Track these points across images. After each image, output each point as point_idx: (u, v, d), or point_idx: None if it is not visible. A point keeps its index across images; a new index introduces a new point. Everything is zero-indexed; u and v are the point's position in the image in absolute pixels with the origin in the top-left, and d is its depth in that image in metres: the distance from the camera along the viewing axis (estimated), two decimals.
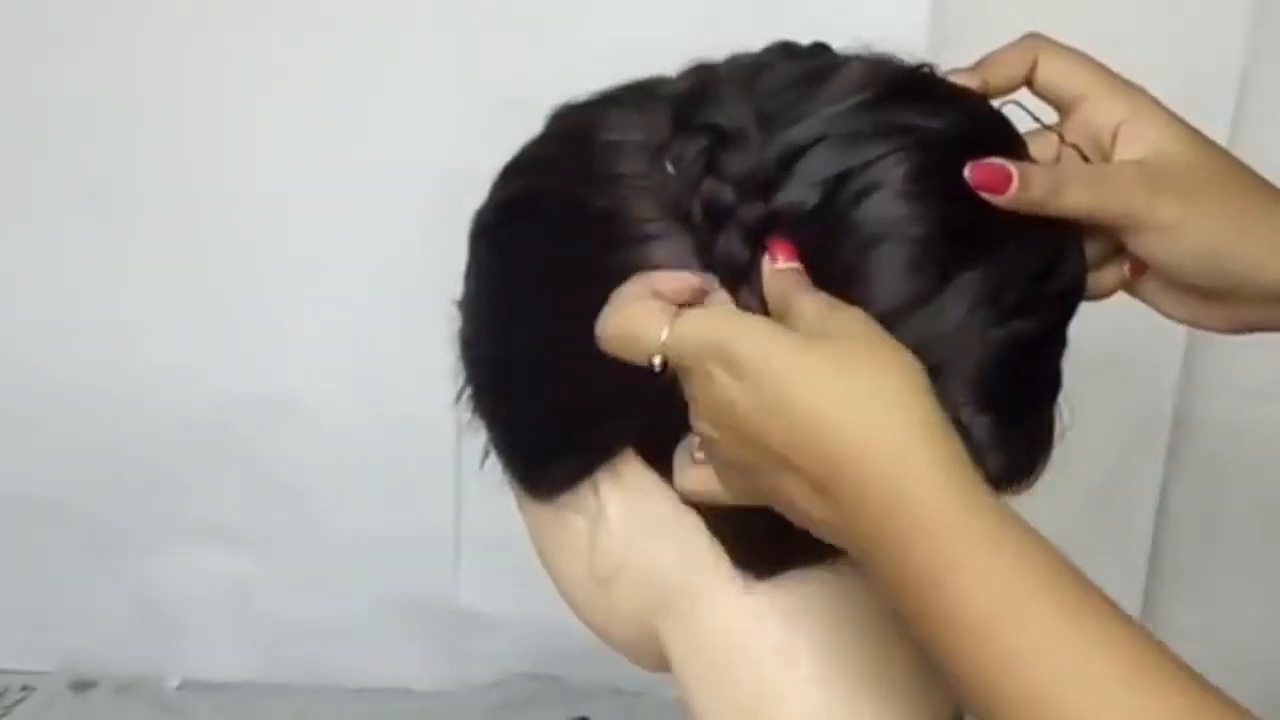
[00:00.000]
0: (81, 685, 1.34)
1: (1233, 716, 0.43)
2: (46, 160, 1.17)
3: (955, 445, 0.46)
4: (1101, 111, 0.57)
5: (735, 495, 0.51)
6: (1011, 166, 0.51)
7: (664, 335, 0.48)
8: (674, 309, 0.49)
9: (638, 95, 0.56)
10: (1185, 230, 0.56)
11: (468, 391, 0.59)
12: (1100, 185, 0.54)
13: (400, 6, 1.13)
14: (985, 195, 0.51)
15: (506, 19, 1.12)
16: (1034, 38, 0.59)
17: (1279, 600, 1.28)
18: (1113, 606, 0.44)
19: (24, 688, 1.33)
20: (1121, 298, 0.60)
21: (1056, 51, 0.59)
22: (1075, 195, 0.53)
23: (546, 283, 0.55)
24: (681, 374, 0.49)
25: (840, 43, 0.56)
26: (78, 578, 1.30)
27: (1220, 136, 1.09)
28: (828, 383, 0.46)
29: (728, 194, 0.51)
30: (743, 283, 0.51)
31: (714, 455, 0.50)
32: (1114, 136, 0.57)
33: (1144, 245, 0.56)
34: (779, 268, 0.50)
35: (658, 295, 0.50)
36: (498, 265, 0.57)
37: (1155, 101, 0.58)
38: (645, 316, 0.49)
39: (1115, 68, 0.60)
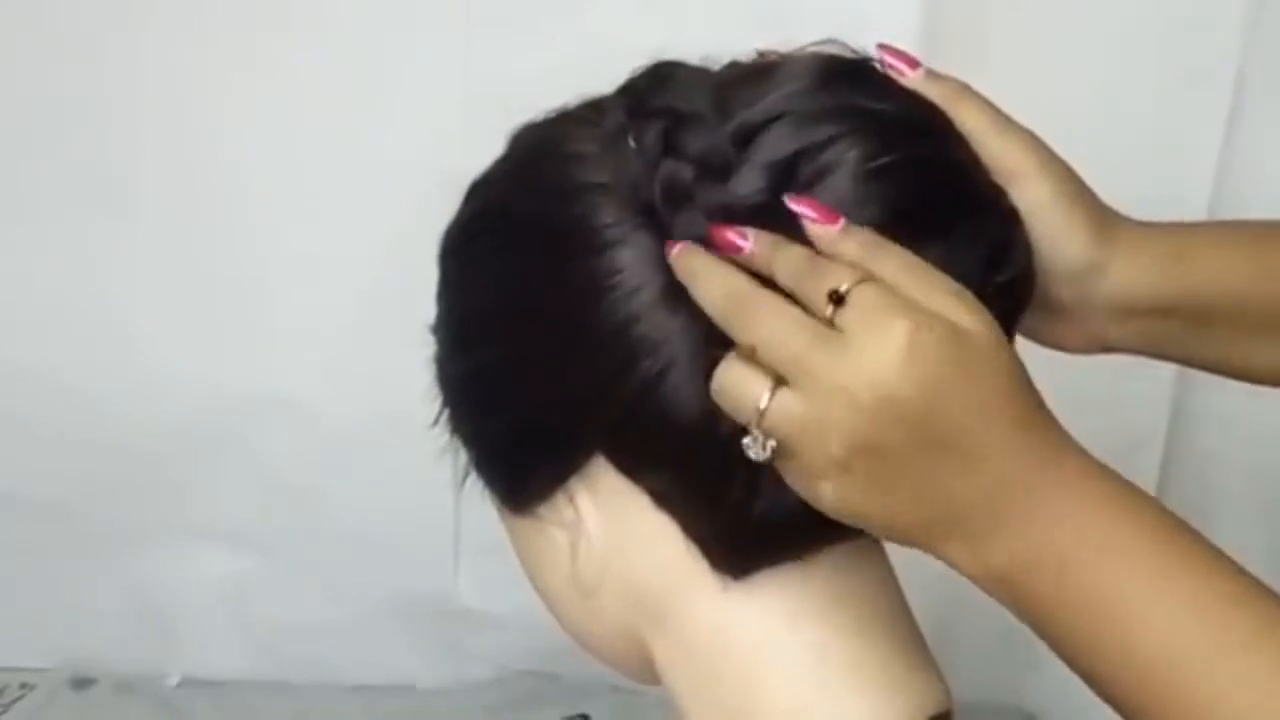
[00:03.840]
0: (81, 683, 1.34)
1: None
2: (44, 160, 1.17)
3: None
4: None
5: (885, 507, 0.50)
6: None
7: (849, 284, 0.48)
8: (862, 270, 0.49)
9: (592, 109, 0.56)
10: (1054, 203, 0.58)
11: (445, 413, 0.60)
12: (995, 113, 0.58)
13: (399, 6, 1.13)
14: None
15: (506, 19, 1.12)
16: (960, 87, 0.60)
17: None
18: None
19: (23, 685, 1.33)
20: None
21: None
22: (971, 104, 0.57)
23: (510, 295, 0.56)
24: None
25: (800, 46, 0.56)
26: (78, 577, 1.31)
27: (1217, 136, 1.10)
28: (986, 382, 0.48)
29: (686, 172, 0.51)
30: None
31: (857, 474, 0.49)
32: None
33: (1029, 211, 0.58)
34: (832, 231, 0.50)
35: None
36: (463, 281, 0.58)
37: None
38: (832, 263, 0.49)
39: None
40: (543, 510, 0.57)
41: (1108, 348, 0.63)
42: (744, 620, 0.55)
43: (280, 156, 1.16)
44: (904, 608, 0.58)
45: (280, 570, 1.30)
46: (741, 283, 0.50)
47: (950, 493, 0.48)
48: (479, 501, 0.61)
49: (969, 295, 0.49)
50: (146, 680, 1.34)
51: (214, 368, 1.22)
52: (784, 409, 0.48)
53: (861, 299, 0.48)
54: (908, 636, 0.57)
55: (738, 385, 0.49)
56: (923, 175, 0.52)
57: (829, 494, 0.49)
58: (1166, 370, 1.21)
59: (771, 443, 0.49)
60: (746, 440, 0.49)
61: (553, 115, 0.57)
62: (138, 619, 1.33)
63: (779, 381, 0.48)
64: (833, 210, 0.50)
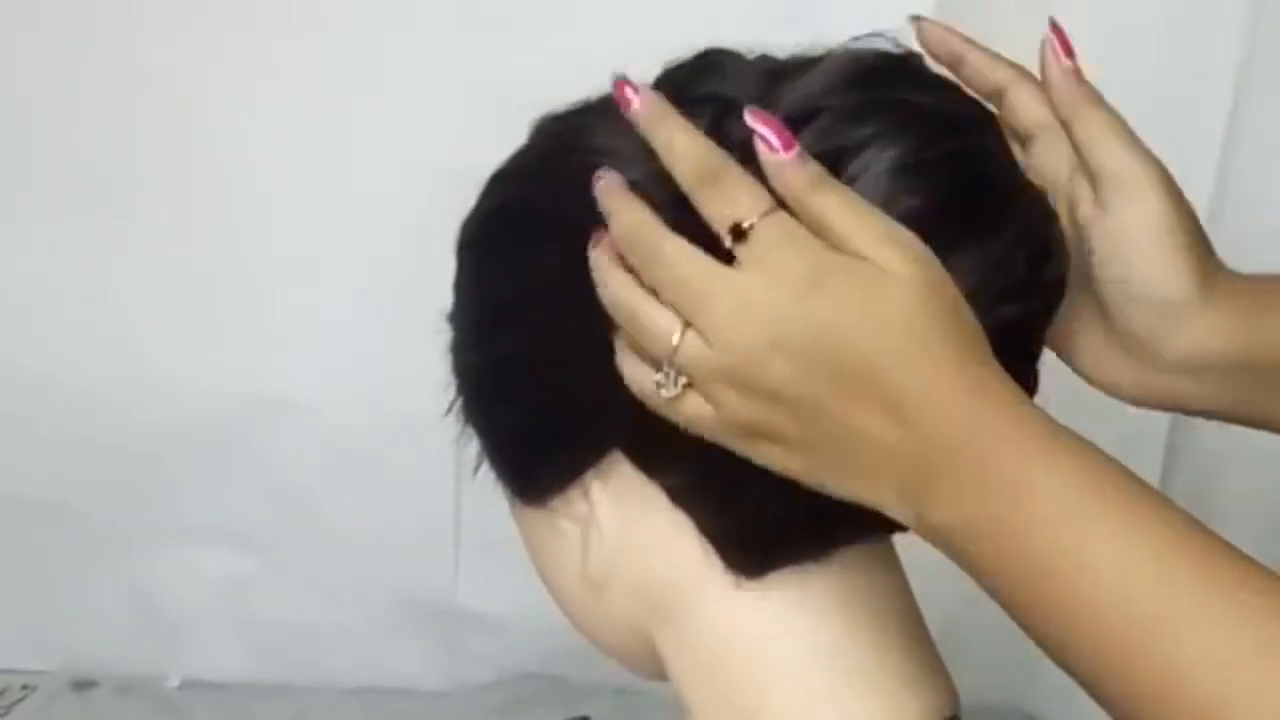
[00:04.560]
0: (82, 685, 1.34)
1: None
2: (45, 160, 1.17)
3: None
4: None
5: (741, 441, 0.50)
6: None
7: (755, 217, 0.48)
8: (770, 199, 0.48)
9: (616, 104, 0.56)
10: (1128, 224, 0.57)
11: (459, 402, 0.60)
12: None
13: (399, 6, 1.13)
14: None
15: (505, 19, 1.12)
16: (1015, 69, 0.60)
17: None
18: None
19: (24, 687, 1.33)
20: None
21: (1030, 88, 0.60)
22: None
23: (531, 288, 0.55)
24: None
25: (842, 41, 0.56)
26: (78, 578, 1.31)
27: (1217, 134, 1.10)
28: (906, 321, 0.47)
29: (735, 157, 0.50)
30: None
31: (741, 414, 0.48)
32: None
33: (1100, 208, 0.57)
34: (783, 159, 0.48)
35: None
36: (483, 273, 0.58)
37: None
38: (741, 190, 0.48)
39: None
40: (555, 503, 0.57)
41: (1171, 400, 0.61)
42: (754, 619, 0.55)
43: (280, 157, 1.16)
44: (914, 610, 0.58)
45: (281, 572, 1.30)
46: (645, 217, 0.49)
47: (878, 446, 0.47)
48: (480, 503, 0.61)
49: (904, 237, 0.48)
50: (147, 682, 1.33)
51: (214, 368, 1.22)
52: (693, 351, 0.48)
53: (765, 234, 0.47)
54: (918, 639, 0.57)
55: (651, 320, 0.49)
56: (961, 172, 0.52)
57: (757, 453, 0.49)
58: None
59: (682, 379, 0.48)
60: (658, 377, 0.49)
61: (576, 107, 0.57)
62: (138, 620, 1.33)
63: (688, 323, 0.48)
64: (789, 134, 0.49)
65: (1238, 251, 0.61)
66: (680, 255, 0.48)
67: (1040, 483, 0.45)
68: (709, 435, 0.50)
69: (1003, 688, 1.25)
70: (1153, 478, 1.23)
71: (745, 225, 0.47)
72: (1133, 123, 0.60)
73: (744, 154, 0.50)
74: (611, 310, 0.50)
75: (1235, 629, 0.43)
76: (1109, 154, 0.57)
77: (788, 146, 0.49)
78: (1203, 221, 0.60)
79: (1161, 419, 1.22)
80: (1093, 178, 0.59)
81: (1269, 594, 0.43)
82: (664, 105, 0.51)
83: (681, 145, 0.50)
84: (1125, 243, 0.57)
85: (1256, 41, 1.11)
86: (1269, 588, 0.43)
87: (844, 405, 0.47)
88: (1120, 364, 0.60)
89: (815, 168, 0.49)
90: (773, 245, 0.47)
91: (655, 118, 0.51)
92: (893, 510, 0.48)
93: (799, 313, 0.46)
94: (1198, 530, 0.45)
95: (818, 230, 0.48)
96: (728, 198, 0.48)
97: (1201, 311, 0.58)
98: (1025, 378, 0.54)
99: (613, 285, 0.50)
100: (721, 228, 0.48)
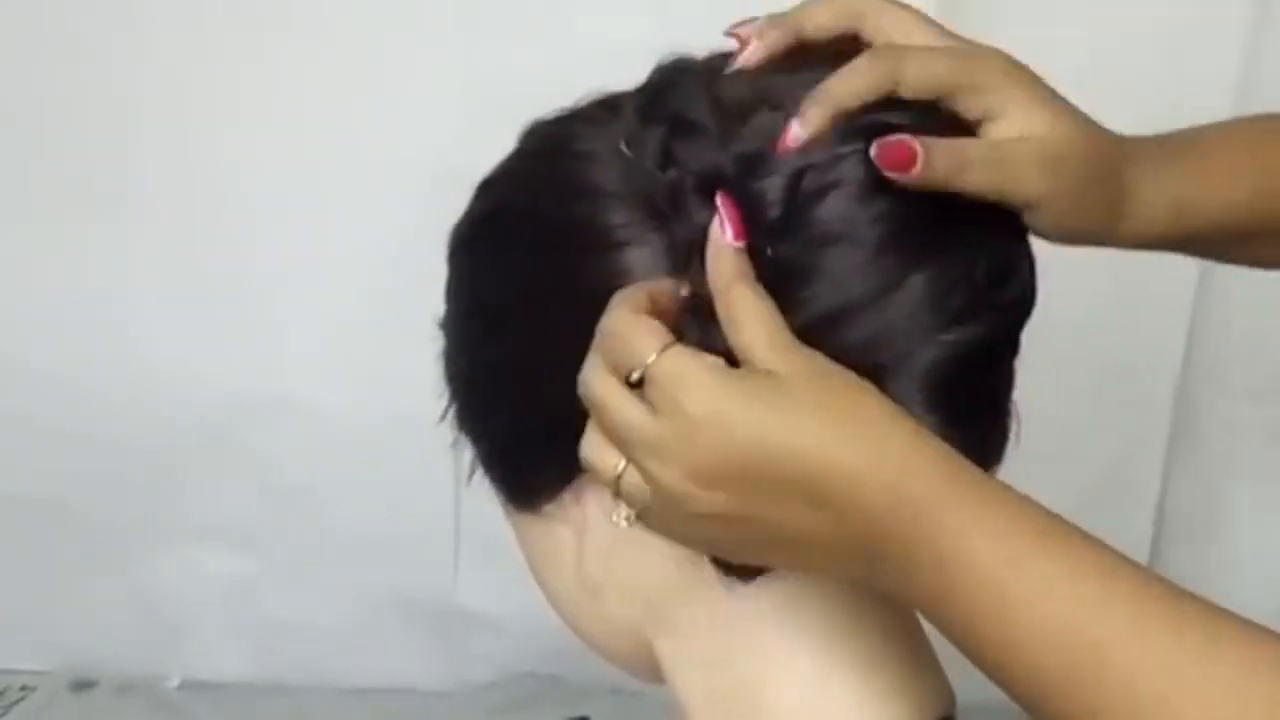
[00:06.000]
0: (81, 685, 1.34)
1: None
2: (45, 161, 1.17)
3: (935, 440, 0.48)
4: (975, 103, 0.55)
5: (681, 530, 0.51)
6: (917, 144, 0.50)
7: (650, 360, 0.49)
8: (667, 336, 0.49)
9: (603, 109, 0.56)
10: (1068, 209, 0.55)
11: (453, 409, 0.60)
12: (1001, 169, 0.53)
13: (400, 7, 1.13)
14: (891, 174, 0.50)
15: (506, 19, 1.12)
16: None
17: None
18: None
19: (24, 687, 1.33)
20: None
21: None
22: (978, 176, 0.52)
23: (521, 293, 0.56)
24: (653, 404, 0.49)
25: None
26: (78, 578, 1.31)
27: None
28: (805, 418, 0.47)
29: (688, 182, 0.51)
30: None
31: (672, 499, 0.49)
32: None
33: (1033, 220, 0.55)
34: (726, 244, 0.50)
35: (653, 308, 0.50)
36: (473, 279, 0.58)
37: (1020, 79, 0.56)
38: (637, 336, 0.49)
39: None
40: (549, 508, 0.57)
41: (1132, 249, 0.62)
42: (749, 621, 0.55)
43: (280, 157, 1.16)
44: (910, 610, 0.58)
45: (281, 572, 1.30)
46: (589, 369, 0.50)
47: (818, 540, 0.48)
48: (480, 503, 0.61)
49: (803, 349, 0.49)
50: (147, 682, 1.34)
51: (215, 368, 1.22)
52: (633, 485, 0.49)
53: (659, 375, 0.48)
54: (914, 638, 0.57)
55: (598, 456, 0.50)
56: (925, 193, 0.51)
57: (715, 553, 0.52)
58: (1167, 373, 1.21)
59: (629, 512, 0.50)
60: (612, 508, 0.51)
61: (564, 113, 0.57)
62: (138, 621, 1.33)
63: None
64: (743, 228, 0.50)
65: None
66: (608, 400, 0.49)
67: (961, 547, 0.47)
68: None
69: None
70: (1154, 484, 1.23)
71: (645, 369, 0.49)
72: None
73: (700, 182, 0.51)
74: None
75: (1168, 640, 0.44)
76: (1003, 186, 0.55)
77: (737, 237, 0.50)
78: None
79: (1163, 424, 1.22)
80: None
81: (1200, 611, 0.45)
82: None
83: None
84: (1038, 228, 0.56)
85: (1257, 47, 1.11)
86: (1200, 608, 0.45)
87: (779, 511, 0.48)
88: (1070, 236, 0.59)
89: (746, 266, 0.50)
90: (670, 385, 0.48)
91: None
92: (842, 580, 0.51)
93: (709, 444, 0.47)
94: (1119, 559, 0.46)
95: (725, 325, 0.49)
96: (628, 348, 0.49)
97: (1124, 225, 0.58)
98: (993, 397, 0.54)
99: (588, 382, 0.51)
100: (626, 376, 0.49)
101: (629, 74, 0.56)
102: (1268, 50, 1.11)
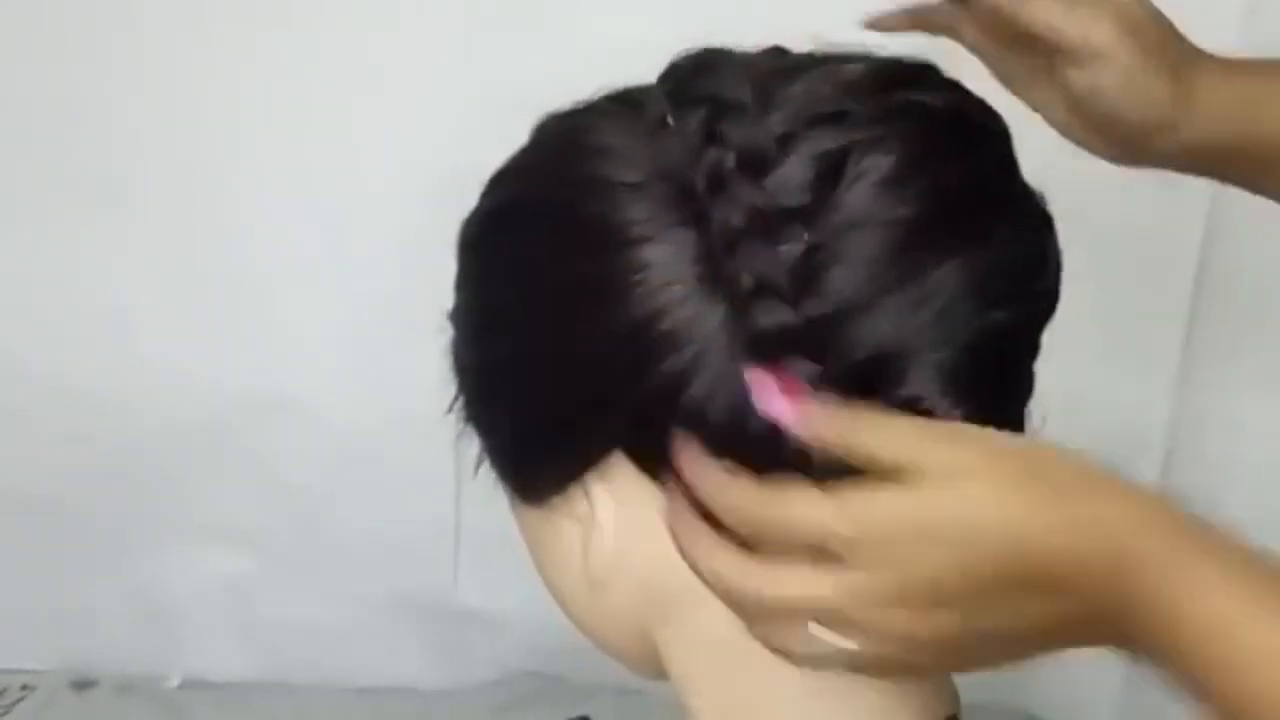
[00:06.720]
0: (82, 684, 1.34)
1: None
2: (46, 159, 1.17)
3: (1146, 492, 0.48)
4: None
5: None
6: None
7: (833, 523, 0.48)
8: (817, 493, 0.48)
9: (620, 103, 0.56)
10: (1138, 71, 0.57)
11: (459, 401, 0.59)
12: (1072, 7, 0.56)
13: (400, 6, 1.13)
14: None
15: (506, 19, 1.12)
16: None
17: None
18: None
19: (24, 687, 1.33)
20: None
21: None
22: (1042, 4, 0.55)
23: (532, 287, 0.55)
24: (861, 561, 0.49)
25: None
26: (78, 577, 1.31)
27: None
28: (1007, 498, 0.47)
29: (730, 161, 0.51)
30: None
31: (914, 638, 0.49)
32: None
33: (1095, 76, 0.56)
34: (823, 418, 0.49)
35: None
36: (484, 272, 0.58)
37: None
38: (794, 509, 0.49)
39: None
40: (556, 502, 0.57)
41: (1151, 167, 0.62)
42: None
43: (280, 157, 1.16)
44: None
45: (281, 571, 1.30)
46: (747, 495, 0.50)
47: (1051, 626, 0.48)
48: (480, 503, 0.61)
49: (948, 429, 0.49)
50: (147, 681, 1.34)
51: (215, 368, 1.22)
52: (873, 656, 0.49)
53: (849, 528, 0.47)
54: None
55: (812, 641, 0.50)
56: (956, 179, 0.51)
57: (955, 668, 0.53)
58: (1167, 372, 1.21)
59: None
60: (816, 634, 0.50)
61: (578, 107, 0.57)
62: (138, 620, 1.33)
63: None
64: (790, 406, 0.49)
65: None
66: (809, 590, 0.49)
67: (1193, 611, 0.47)
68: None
69: (1003, 687, 1.25)
70: (1151, 482, 1.23)
71: (832, 546, 0.48)
72: None
73: (741, 159, 0.50)
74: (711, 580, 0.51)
75: None
76: (1052, 30, 0.57)
77: (799, 415, 0.49)
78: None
79: (1160, 424, 1.22)
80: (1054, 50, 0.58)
81: None
82: (704, 468, 0.51)
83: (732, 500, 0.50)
84: (1097, 97, 0.57)
85: (1252, 37, 1.10)
86: None
87: (1010, 603, 0.48)
88: (1097, 142, 0.60)
89: (833, 417, 0.49)
90: (860, 547, 0.48)
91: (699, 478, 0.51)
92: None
93: (921, 572, 0.47)
94: None
95: (873, 466, 0.48)
96: (796, 529, 0.49)
97: (1184, 121, 0.59)
98: (1021, 380, 0.54)
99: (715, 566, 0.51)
100: (809, 551, 0.49)
101: (631, 73, 0.56)
102: (1261, 40, 1.11)
